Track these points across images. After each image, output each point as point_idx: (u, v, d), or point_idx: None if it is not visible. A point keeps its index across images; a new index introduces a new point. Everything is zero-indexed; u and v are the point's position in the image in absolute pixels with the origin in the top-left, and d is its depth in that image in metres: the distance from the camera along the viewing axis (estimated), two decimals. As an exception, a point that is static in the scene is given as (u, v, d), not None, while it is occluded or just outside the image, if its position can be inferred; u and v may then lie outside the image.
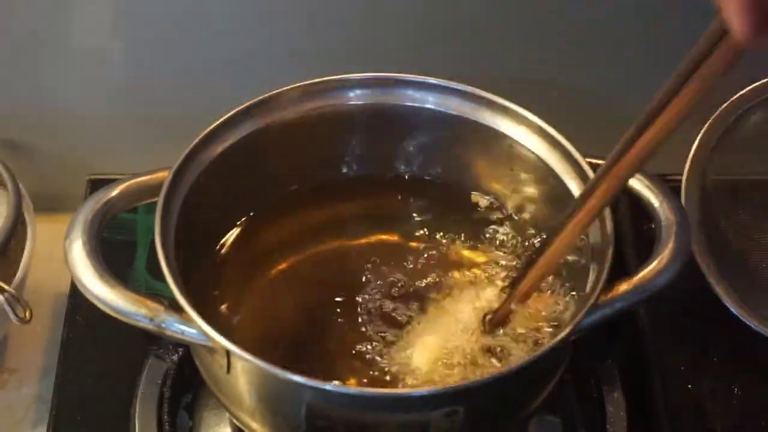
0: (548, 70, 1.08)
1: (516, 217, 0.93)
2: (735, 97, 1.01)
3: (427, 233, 0.92)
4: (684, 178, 1.01)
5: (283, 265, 0.90)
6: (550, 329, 0.82)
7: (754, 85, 1.01)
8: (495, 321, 0.82)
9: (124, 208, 0.83)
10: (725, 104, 1.01)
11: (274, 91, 0.88)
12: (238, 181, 0.89)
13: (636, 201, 0.85)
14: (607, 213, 0.81)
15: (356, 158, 0.94)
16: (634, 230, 1.03)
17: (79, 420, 0.92)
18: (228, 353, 0.74)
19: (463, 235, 0.92)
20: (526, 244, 0.91)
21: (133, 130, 1.11)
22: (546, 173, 0.87)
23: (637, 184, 0.85)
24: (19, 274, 0.94)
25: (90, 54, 1.06)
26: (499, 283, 0.88)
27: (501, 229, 0.92)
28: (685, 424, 0.95)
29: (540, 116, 0.87)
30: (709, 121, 1.01)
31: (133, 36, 1.06)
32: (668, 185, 0.85)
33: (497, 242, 0.92)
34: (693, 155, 1.01)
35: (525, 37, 1.07)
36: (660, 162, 0.96)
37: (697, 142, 1.01)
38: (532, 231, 0.92)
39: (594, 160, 0.86)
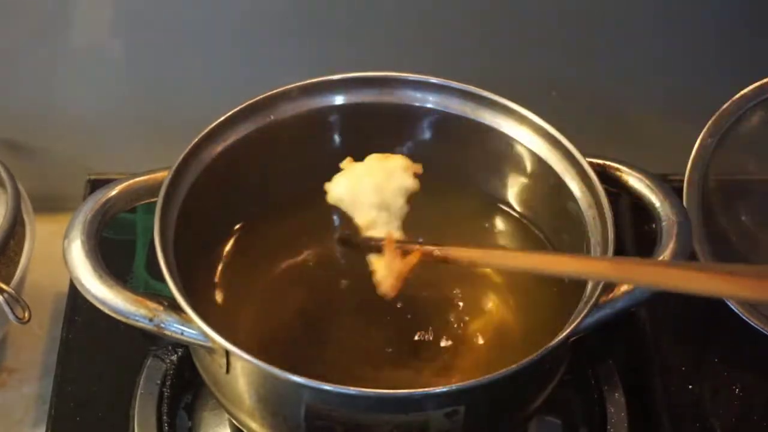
0: (548, 70, 1.08)
1: (516, 217, 0.93)
2: (735, 97, 1.01)
3: (427, 233, 0.92)
4: (685, 178, 1.01)
5: (283, 265, 0.90)
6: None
7: (754, 85, 1.01)
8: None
9: (124, 208, 0.83)
10: (726, 104, 1.01)
11: (274, 91, 0.88)
12: (237, 181, 0.89)
13: (637, 201, 0.85)
14: (608, 213, 0.81)
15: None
16: (635, 230, 1.03)
17: (78, 420, 0.92)
18: (227, 353, 0.74)
19: (463, 234, 0.92)
20: (525, 243, 0.91)
21: (133, 130, 1.11)
22: (546, 173, 0.87)
23: (638, 184, 0.85)
24: (18, 274, 0.94)
25: (90, 54, 1.06)
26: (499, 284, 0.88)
27: (501, 229, 0.92)
28: (685, 424, 0.94)
29: (540, 116, 0.87)
30: (710, 121, 1.01)
31: (133, 36, 1.06)
32: (669, 185, 0.85)
33: (497, 241, 0.92)
34: (694, 155, 1.01)
35: (525, 37, 1.06)
36: (661, 162, 0.96)
37: (698, 142, 1.01)
38: (532, 230, 0.92)
39: (594, 160, 0.86)
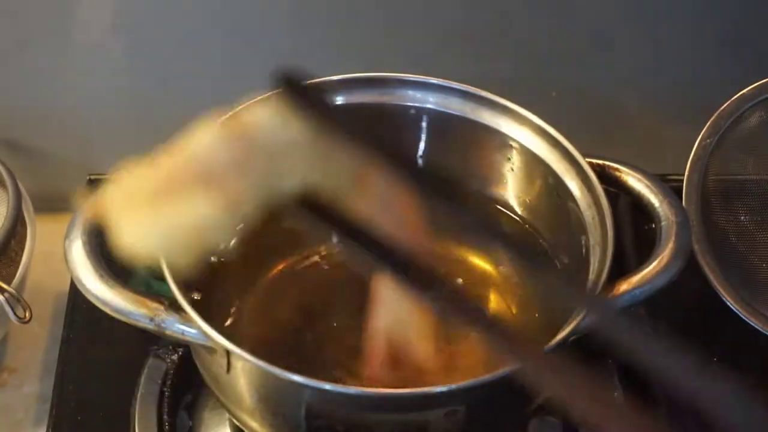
0: (548, 70, 1.08)
1: (515, 217, 0.93)
2: (735, 97, 1.01)
3: (425, 233, 0.92)
4: (684, 178, 1.01)
5: (283, 265, 0.90)
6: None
7: (754, 85, 1.01)
8: None
9: (124, 208, 0.83)
10: (725, 104, 1.01)
11: (274, 92, 0.88)
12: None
13: (636, 201, 0.85)
14: (607, 213, 0.81)
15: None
16: (634, 230, 1.03)
17: (79, 420, 0.92)
18: (228, 353, 0.74)
19: (462, 235, 0.92)
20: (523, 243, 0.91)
21: (133, 130, 1.11)
22: (546, 173, 0.87)
23: (637, 184, 0.85)
24: (19, 274, 0.94)
25: (89, 54, 1.06)
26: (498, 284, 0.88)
27: (501, 229, 0.92)
28: (685, 424, 0.94)
29: (540, 116, 0.87)
30: (710, 121, 1.01)
31: (133, 35, 1.06)
32: (669, 185, 0.85)
33: (497, 241, 0.92)
34: (693, 155, 1.01)
35: (525, 37, 1.07)
36: (660, 162, 0.96)
37: (697, 142, 1.01)
38: (532, 230, 0.92)
39: (594, 160, 0.86)
